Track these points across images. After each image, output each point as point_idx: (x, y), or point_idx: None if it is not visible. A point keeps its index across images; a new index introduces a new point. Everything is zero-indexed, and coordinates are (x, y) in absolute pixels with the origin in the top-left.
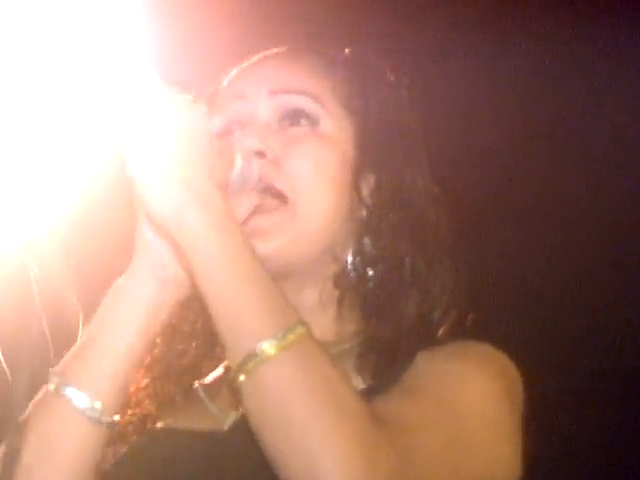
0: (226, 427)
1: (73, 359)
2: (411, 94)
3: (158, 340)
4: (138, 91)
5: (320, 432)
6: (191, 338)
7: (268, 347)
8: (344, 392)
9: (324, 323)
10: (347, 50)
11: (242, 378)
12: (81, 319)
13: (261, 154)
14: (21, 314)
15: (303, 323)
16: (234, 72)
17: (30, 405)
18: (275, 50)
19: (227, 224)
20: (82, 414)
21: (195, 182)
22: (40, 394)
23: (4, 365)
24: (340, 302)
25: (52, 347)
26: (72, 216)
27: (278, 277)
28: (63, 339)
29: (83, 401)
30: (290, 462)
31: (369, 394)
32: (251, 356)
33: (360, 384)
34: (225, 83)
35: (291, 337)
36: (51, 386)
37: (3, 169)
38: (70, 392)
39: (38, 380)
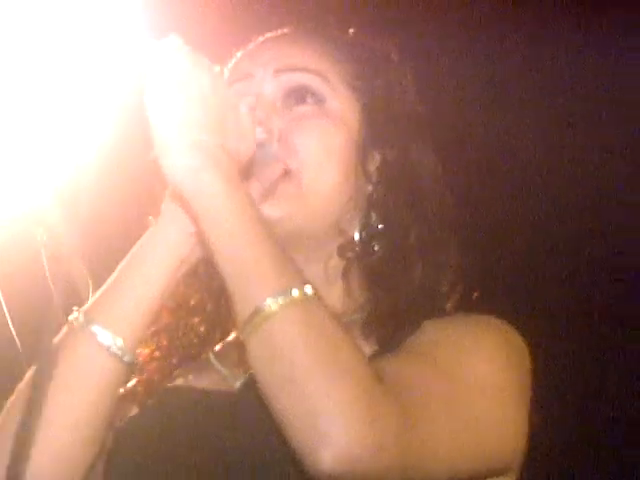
0: (236, 388)
1: (99, 299)
2: (414, 73)
3: (167, 314)
4: (158, 52)
5: (322, 389)
6: (201, 314)
7: (273, 303)
8: (346, 349)
9: (332, 296)
10: (351, 30)
11: (248, 333)
12: (90, 285)
13: (268, 132)
14: (30, 281)
15: (309, 283)
16: (240, 54)
17: (55, 339)
18: (280, 32)
19: (238, 188)
20: (106, 350)
21: (209, 145)
22: (64, 330)
23: (14, 333)
24: (345, 274)
25: (62, 314)
26: (79, 182)
27: (286, 249)
28: (72, 305)
29: (107, 338)
30: (292, 418)
31: (374, 359)
32: (256, 312)
33: (367, 351)
34: (231, 65)
35: (296, 295)
36: (75, 322)
37: (7, 136)
38: (95, 329)
39: (47, 344)
